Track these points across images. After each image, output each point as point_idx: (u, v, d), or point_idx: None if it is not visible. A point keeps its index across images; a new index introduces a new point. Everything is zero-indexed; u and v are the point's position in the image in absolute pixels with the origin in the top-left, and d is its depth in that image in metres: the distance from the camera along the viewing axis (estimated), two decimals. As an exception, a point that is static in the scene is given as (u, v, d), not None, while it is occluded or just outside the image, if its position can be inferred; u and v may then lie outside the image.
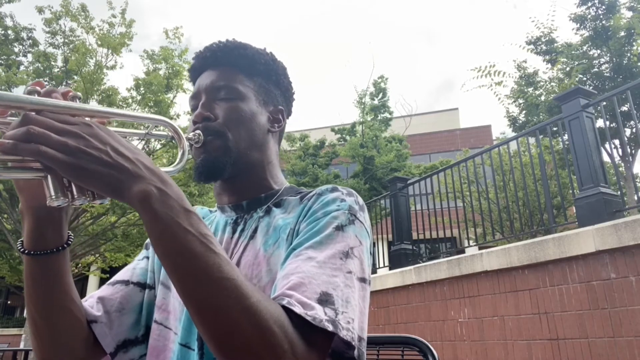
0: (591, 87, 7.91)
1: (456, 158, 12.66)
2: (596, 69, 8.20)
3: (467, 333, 3.98)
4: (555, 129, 5.32)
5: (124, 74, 27.01)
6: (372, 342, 1.20)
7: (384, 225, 6.84)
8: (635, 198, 4.76)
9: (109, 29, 11.33)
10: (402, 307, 4.85)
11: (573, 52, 8.35)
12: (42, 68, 11.21)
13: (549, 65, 9.02)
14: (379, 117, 14.28)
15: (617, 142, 8.21)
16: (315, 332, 0.59)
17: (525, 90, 9.11)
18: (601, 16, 7.93)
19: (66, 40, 11.42)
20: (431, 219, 5.37)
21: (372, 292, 5.11)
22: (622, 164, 8.66)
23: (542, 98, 8.87)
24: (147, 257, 0.94)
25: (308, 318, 0.58)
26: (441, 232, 5.39)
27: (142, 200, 0.56)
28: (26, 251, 0.69)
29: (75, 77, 11.10)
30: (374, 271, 6.12)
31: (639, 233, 2.80)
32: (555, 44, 8.88)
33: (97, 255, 14.26)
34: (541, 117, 8.65)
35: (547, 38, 8.95)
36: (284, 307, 0.59)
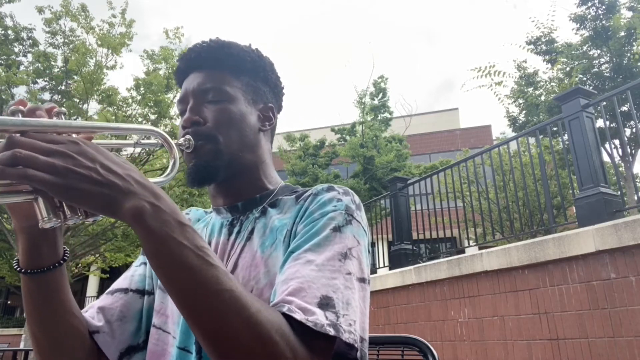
0: (591, 87, 7.91)
1: (456, 158, 12.66)
2: (596, 69, 8.20)
3: (467, 333, 3.98)
4: (555, 129, 5.32)
5: (124, 74, 27.04)
6: (372, 342, 1.20)
7: (384, 225, 6.84)
8: (635, 198, 4.76)
9: (109, 29, 11.33)
10: (402, 307, 4.85)
11: (573, 52, 8.35)
12: (42, 68, 11.22)
13: (549, 65, 9.02)
14: (379, 117, 14.27)
15: (617, 142, 8.21)
16: (317, 338, 0.59)
17: (525, 90, 9.11)
18: (601, 16, 7.93)
19: (66, 40, 11.42)
20: (431, 219, 5.37)
21: (372, 292, 5.10)
22: (622, 164, 8.66)
23: (542, 98, 8.87)
24: (145, 263, 0.93)
25: (309, 324, 0.58)
26: (441, 232, 5.39)
27: (135, 217, 0.55)
28: (23, 270, 0.68)
29: (75, 77, 11.11)
30: (374, 271, 6.12)
31: (639, 233, 2.80)
32: (555, 44, 8.88)
33: (97, 255, 14.26)
34: (541, 117, 8.65)
35: (547, 38, 8.96)
36: (285, 315, 0.59)
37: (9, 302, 21.68)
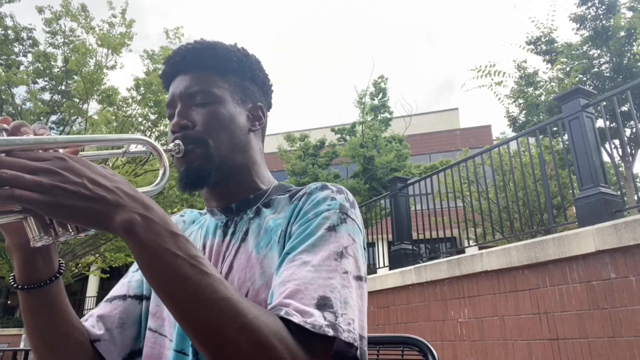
0: (591, 87, 7.91)
1: (456, 158, 12.65)
2: (596, 69, 8.20)
3: (467, 333, 3.98)
4: (555, 129, 5.32)
5: (124, 74, 27.07)
6: (372, 342, 1.20)
7: (384, 225, 6.84)
8: (635, 198, 4.75)
9: (109, 29, 11.34)
10: (402, 307, 4.85)
11: (573, 52, 8.35)
12: (42, 68, 11.23)
13: (549, 65, 9.02)
14: (379, 117, 14.26)
15: (617, 142, 8.21)
16: (316, 339, 0.59)
17: (525, 90, 9.11)
18: (601, 16, 7.92)
19: (66, 40, 11.44)
20: (431, 219, 5.37)
21: (372, 292, 5.11)
22: (622, 164, 8.66)
23: (542, 98, 8.87)
24: None
25: (307, 326, 0.58)
26: (441, 232, 5.39)
27: (127, 229, 0.55)
28: (19, 286, 0.68)
29: (75, 77, 11.11)
30: (374, 271, 6.12)
31: (639, 233, 2.80)
32: (555, 44, 8.87)
33: (97, 255, 14.26)
34: (541, 117, 8.65)
35: (547, 38, 8.95)
36: (282, 319, 0.59)
37: (9, 302, 21.67)
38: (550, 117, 7.53)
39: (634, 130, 7.68)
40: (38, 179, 0.52)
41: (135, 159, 11.56)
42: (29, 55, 11.64)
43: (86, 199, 0.54)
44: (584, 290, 3.12)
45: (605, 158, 7.14)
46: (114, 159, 10.83)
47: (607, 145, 6.83)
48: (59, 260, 0.72)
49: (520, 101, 9.23)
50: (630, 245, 2.84)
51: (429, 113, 27.34)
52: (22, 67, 11.57)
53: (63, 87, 11.54)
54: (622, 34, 7.65)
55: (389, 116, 14.42)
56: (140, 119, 11.74)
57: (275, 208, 0.83)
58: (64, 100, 11.34)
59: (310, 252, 0.68)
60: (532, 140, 7.42)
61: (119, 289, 0.90)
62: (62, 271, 0.71)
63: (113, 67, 11.52)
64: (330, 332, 0.59)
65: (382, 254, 6.47)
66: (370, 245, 9.64)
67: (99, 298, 19.47)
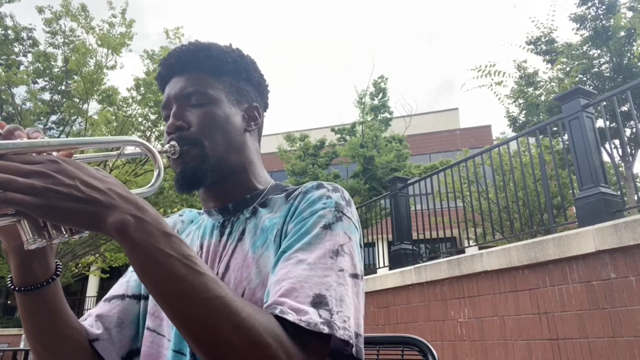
0: (591, 87, 7.90)
1: (456, 158, 12.66)
2: (596, 69, 8.20)
3: (467, 333, 3.98)
4: (555, 129, 5.32)
5: (124, 74, 27.07)
6: (372, 342, 1.20)
7: (384, 225, 6.84)
8: (635, 198, 4.75)
9: (109, 29, 11.33)
10: (402, 307, 4.85)
11: (573, 52, 8.35)
12: (42, 68, 11.22)
13: (549, 65, 9.02)
14: (379, 117, 14.26)
15: (617, 142, 8.21)
16: (312, 337, 0.59)
17: (525, 90, 9.11)
18: (601, 16, 7.92)
19: (66, 40, 11.43)
20: (431, 219, 5.37)
21: (372, 292, 5.10)
22: (622, 164, 8.66)
23: (542, 98, 8.87)
24: None
25: (302, 324, 0.58)
26: (441, 232, 5.39)
27: (120, 231, 0.55)
28: (17, 288, 0.69)
29: (75, 77, 11.11)
30: (374, 271, 6.12)
31: (639, 233, 2.80)
32: (555, 44, 8.87)
33: (97, 255, 14.25)
34: (541, 117, 8.65)
35: (547, 38, 8.95)
36: (278, 317, 0.59)
37: (9, 302, 21.67)
38: (550, 117, 7.53)
39: (634, 130, 7.68)
40: (30, 181, 0.52)
41: (135, 159, 11.56)
42: (29, 55, 11.64)
43: (79, 201, 0.54)
44: (584, 290, 3.12)
45: (605, 158, 7.14)
46: (114, 160, 10.81)
47: (607, 145, 6.83)
48: (56, 262, 0.72)
49: (520, 101, 9.23)
50: (630, 245, 2.84)
51: (429, 113, 27.34)
52: (22, 67, 11.57)
53: (63, 87, 11.54)
54: (622, 34, 7.65)
55: (389, 116, 14.42)
56: (140, 119, 11.73)
57: (272, 208, 0.84)
58: (64, 100, 11.34)
59: (306, 250, 0.68)
60: (532, 140, 7.42)
61: (117, 288, 0.91)
62: (58, 273, 0.71)
63: (113, 67, 11.51)
64: (326, 330, 0.59)
65: (382, 254, 6.47)
66: (370, 245, 9.63)
67: (99, 298, 19.44)
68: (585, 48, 8.29)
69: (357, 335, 0.64)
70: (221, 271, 0.79)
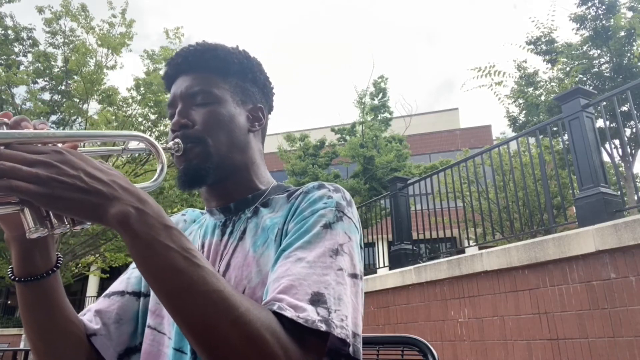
0: (591, 87, 7.90)
1: (456, 158, 12.65)
2: (596, 69, 8.19)
3: (467, 333, 3.98)
4: (555, 129, 5.31)
5: (124, 74, 27.08)
6: (372, 342, 1.20)
7: (384, 225, 6.84)
8: (635, 198, 4.75)
9: (109, 29, 11.34)
10: (402, 307, 4.85)
11: (573, 52, 8.35)
12: (42, 68, 11.22)
13: (549, 65, 9.02)
14: (379, 117, 14.25)
15: (617, 142, 8.21)
16: (309, 334, 0.59)
17: (525, 90, 9.10)
18: (601, 16, 7.92)
19: (66, 40, 11.42)
20: (431, 219, 5.37)
21: (372, 292, 5.09)
22: (622, 164, 8.66)
23: (542, 98, 8.86)
24: None
25: (300, 321, 0.58)
26: (441, 232, 5.39)
27: (121, 222, 0.56)
28: (17, 278, 0.69)
29: (75, 77, 11.11)
30: (374, 271, 6.12)
31: (639, 233, 2.80)
32: (555, 44, 8.87)
33: (97, 255, 14.26)
34: (541, 117, 8.65)
35: (547, 38, 8.95)
36: (275, 313, 0.59)
37: (9, 302, 21.68)
38: (550, 117, 7.53)
39: (634, 130, 7.68)
40: (35, 170, 0.53)
41: (135, 158, 11.56)
42: (29, 55, 11.63)
43: (82, 192, 0.55)
44: (584, 290, 3.12)
45: (605, 158, 7.13)
46: (115, 159, 10.83)
47: (607, 145, 6.83)
48: (57, 254, 0.72)
49: (520, 101, 9.23)
50: (630, 245, 2.85)
51: (429, 113, 27.34)
52: (22, 67, 11.56)
53: (63, 87, 11.54)
54: (622, 34, 7.64)
55: (389, 116, 14.41)
56: (140, 119, 11.74)
57: (273, 207, 0.84)
58: (64, 100, 11.34)
59: (306, 248, 0.69)
60: (532, 140, 7.42)
61: (118, 285, 0.91)
62: (59, 265, 0.72)
63: (113, 67, 11.52)
64: (323, 327, 0.59)
65: (382, 254, 6.46)
66: (370, 245, 9.63)
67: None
68: (585, 48, 8.29)
69: (354, 334, 0.64)
70: (222, 270, 0.79)
